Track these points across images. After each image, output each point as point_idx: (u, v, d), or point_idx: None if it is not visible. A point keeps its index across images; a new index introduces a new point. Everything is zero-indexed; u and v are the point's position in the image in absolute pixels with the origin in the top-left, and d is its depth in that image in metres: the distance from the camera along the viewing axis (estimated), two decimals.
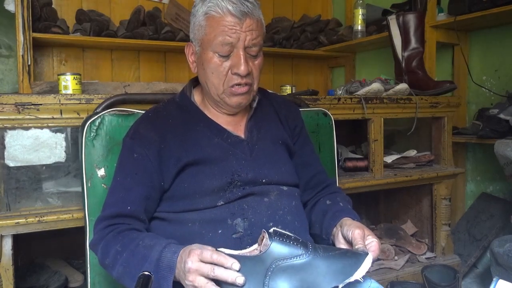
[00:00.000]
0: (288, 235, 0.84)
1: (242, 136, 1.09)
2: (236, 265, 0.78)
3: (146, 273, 0.71)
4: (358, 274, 0.81)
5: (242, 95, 1.02)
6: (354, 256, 0.85)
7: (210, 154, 1.02)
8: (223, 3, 0.96)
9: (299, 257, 0.81)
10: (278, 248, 0.81)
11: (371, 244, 0.89)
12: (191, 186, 1.00)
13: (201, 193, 0.99)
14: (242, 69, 0.98)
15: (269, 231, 0.84)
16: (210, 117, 1.08)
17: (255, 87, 1.05)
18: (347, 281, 0.81)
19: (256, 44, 1.00)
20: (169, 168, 1.00)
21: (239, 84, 1.00)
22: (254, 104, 1.14)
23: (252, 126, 1.10)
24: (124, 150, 1.04)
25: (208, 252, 0.79)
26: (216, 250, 0.81)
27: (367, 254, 0.84)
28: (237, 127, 1.10)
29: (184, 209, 1.00)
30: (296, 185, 1.12)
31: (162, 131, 1.03)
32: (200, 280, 0.78)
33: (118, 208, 0.97)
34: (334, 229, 1.00)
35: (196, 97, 1.12)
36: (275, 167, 1.07)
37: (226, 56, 0.99)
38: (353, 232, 0.91)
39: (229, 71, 1.00)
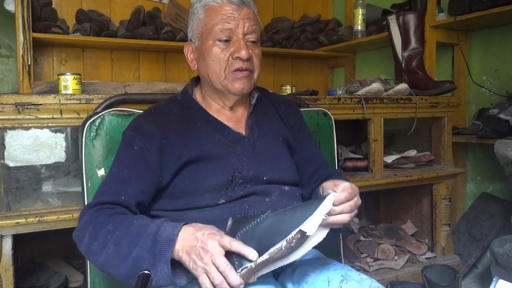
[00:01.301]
0: (249, 214, 0.88)
1: (243, 133, 1.09)
2: (254, 255, 0.78)
3: (146, 272, 0.71)
4: (321, 211, 0.79)
5: (244, 79, 1.04)
6: (317, 200, 0.83)
7: (211, 151, 1.02)
8: None
9: (260, 219, 0.83)
10: (239, 221, 0.85)
11: (342, 186, 0.88)
12: (192, 183, 0.99)
13: (202, 190, 0.99)
14: (243, 52, 1.00)
15: None
16: (211, 114, 1.09)
17: (255, 75, 1.07)
18: (310, 221, 0.78)
19: (254, 30, 1.03)
20: (170, 165, 0.99)
21: (240, 70, 1.02)
22: (253, 101, 1.14)
23: (252, 123, 1.11)
24: (124, 142, 1.03)
25: (227, 239, 0.79)
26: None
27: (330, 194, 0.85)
28: (238, 124, 1.10)
29: (184, 207, 0.99)
30: (297, 184, 1.12)
31: (164, 127, 1.03)
32: (213, 270, 0.77)
33: (111, 197, 0.94)
34: None
35: (198, 95, 1.13)
36: (277, 165, 1.07)
37: (227, 43, 1.02)
38: (323, 185, 0.94)
39: (230, 56, 1.02)
